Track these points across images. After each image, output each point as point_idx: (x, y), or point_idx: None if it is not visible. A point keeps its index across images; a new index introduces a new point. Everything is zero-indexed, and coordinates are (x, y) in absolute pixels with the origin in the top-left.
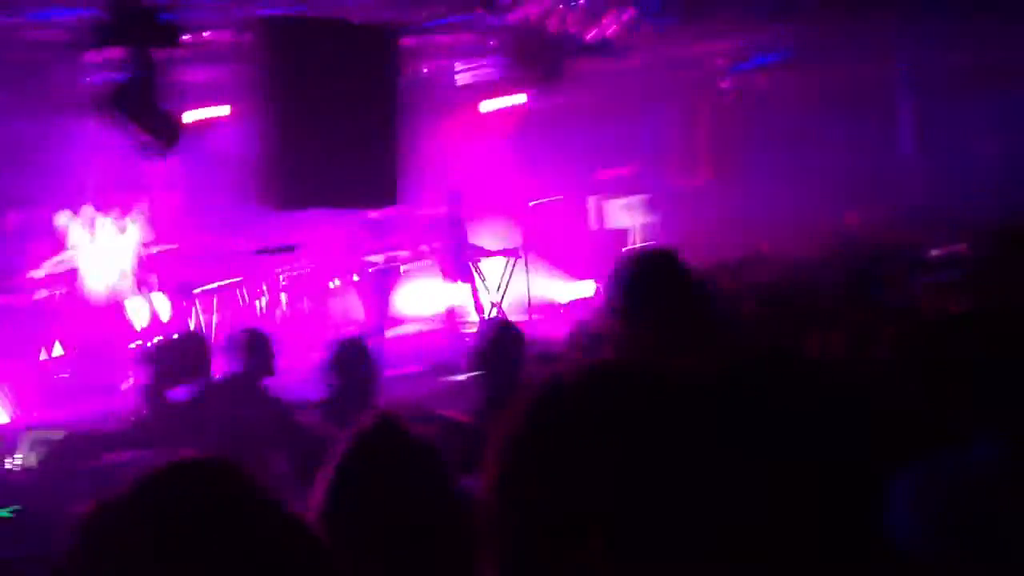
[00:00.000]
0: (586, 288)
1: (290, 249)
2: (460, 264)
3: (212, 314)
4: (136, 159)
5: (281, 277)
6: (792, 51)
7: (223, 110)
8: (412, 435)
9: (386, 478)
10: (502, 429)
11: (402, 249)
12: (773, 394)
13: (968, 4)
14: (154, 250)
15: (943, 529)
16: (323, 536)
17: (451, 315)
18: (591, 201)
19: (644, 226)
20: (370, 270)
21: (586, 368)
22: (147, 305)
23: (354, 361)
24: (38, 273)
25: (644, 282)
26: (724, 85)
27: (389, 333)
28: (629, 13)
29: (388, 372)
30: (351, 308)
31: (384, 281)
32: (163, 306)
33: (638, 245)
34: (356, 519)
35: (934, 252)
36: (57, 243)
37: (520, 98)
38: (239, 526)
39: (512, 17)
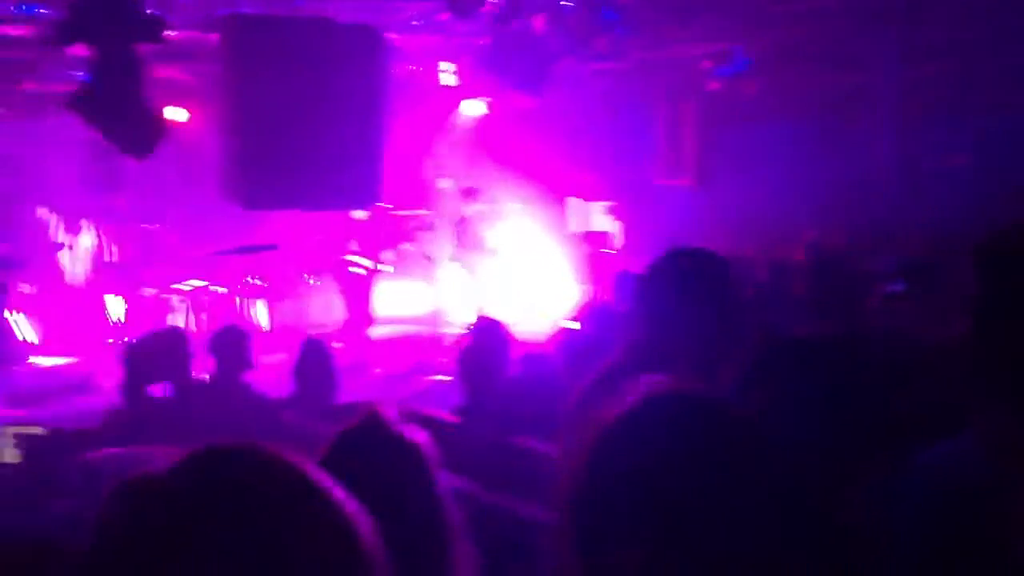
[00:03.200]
0: (568, 290)
1: (272, 248)
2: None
3: (193, 312)
4: (115, 158)
5: (257, 278)
6: (772, 57)
7: (182, 113)
8: (399, 433)
9: (370, 476)
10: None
11: (385, 248)
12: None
13: (956, 16)
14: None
15: (921, 526)
16: None
17: (436, 316)
18: (571, 203)
19: (624, 229)
20: (351, 269)
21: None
22: (125, 302)
23: (316, 361)
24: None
25: (692, 283)
26: (710, 87)
27: (372, 333)
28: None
29: (373, 372)
30: (332, 307)
31: (365, 280)
32: (141, 304)
33: (615, 248)
34: None
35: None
36: (39, 239)
37: (501, 98)
38: (288, 518)
39: (496, 19)
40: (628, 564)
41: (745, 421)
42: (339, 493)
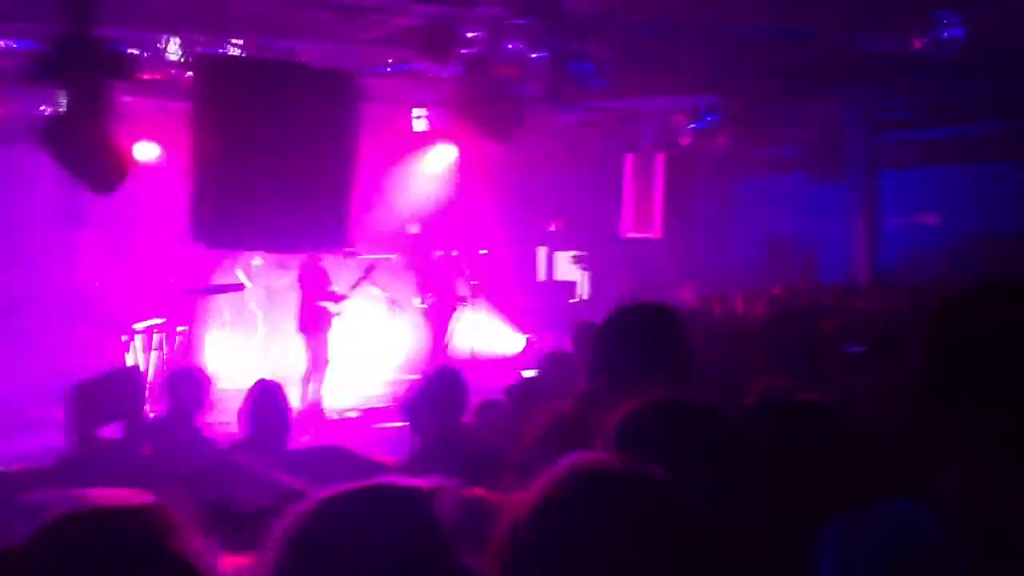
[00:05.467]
0: (530, 339)
1: (239, 288)
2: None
3: (151, 352)
4: (80, 194)
5: (226, 315)
6: (741, 112)
7: (153, 149)
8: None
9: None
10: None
11: (350, 291)
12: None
13: (928, 71)
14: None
15: None
16: None
17: (398, 360)
18: (540, 252)
19: (591, 279)
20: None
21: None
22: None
23: (269, 405)
24: None
25: (642, 336)
26: (679, 141)
27: (332, 376)
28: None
29: (328, 417)
30: (293, 350)
31: (327, 323)
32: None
33: (583, 298)
34: None
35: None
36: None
37: (472, 145)
38: None
39: (471, 66)
40: None
41: (673, 495)
42: (201, 554)
